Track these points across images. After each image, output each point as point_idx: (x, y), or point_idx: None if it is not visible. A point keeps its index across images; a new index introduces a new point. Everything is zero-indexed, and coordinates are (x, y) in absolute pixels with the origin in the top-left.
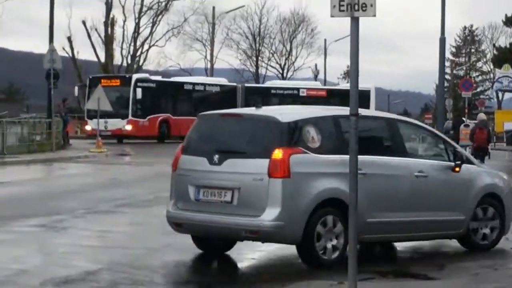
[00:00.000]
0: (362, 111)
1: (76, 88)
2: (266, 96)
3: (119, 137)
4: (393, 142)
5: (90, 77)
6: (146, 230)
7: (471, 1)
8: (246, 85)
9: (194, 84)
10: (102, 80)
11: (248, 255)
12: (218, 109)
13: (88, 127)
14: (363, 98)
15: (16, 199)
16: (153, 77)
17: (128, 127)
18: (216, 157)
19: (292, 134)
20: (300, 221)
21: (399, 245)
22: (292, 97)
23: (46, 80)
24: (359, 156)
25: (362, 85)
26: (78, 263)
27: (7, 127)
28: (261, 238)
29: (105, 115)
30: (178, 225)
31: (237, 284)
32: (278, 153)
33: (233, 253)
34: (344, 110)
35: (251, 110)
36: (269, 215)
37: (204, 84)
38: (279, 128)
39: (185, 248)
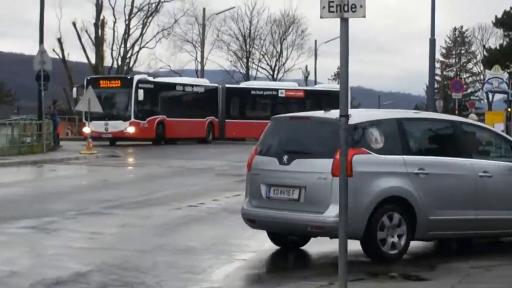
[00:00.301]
0: (426, 114)
1: (75, 89)
2: (246, 97)
3: (121, 139)
4: (457, 143)
5: (88, 78)
6: (136, 231)
7: (461, 3)
8: (227, 85)
9: (185, 85)
10: (101, 81)
11: (240, 256)
12: (205, 110)
13: (86, 129)
14: (336, 98)
15: (6, 201)
16: (151, 78)
17: (131, 129)
18: (285, 157)
19: (355, 136)
20: (362, 218)
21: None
22: (271, 98)
23: (36, 82)
24: (422, 157)
25: (336, 86)
26: (68, 265)
27: None
28: (325, 233)
29: (106, 117)
30: (251, 222)
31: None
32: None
33: (223, 253)
34: (408, 113)
35: (318, 113)
36: (332, 212)
37: (193, 85)
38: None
39: (176, 249)
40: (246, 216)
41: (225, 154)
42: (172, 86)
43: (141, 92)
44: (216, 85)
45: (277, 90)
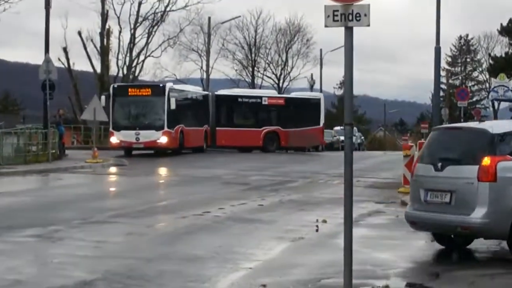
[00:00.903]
0: None
1: (103, 97)
2: (234, 104)
3: (153, 149)
4: None
5: (115, 85)
6: (142, 240)
7: (467, 11)
8: (216, 93)
9: (193, 93)
10: (129, 89)
11: (245, 264)
12: (202, 118)
13: (114, 139)
14: (314, 106)
15: (12, 210)
16: (176, 86)
17: (164, 139)
18: (439, 164)
19: (500, 144)
20: (506, 220)
21: (395, 254)
22: (256, 105)
23: (42, 91)
24: None
25: (313, 94)
26: (73, 273)
27: (3, 138)
28: (472, 233)
29: (137, 126)
30: (413, 223)
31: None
32: (486, 160)
33: (229, 261)
34: None
35: (470, 124)
36: (478, 214)
37: (196, 93)
38: (488, 138)
39: (182, 258)
40: (408, 218)
41: (231, 163)
42: (185, 94)
43: (173, 101)
44: (206, 92)
45: (261, 97)
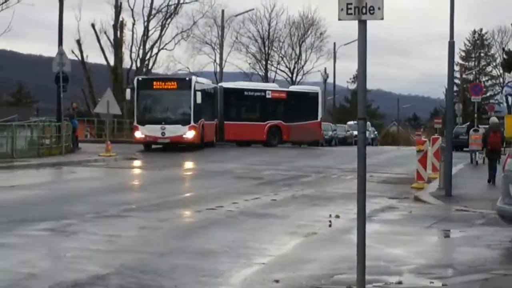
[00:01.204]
0: None
1: (128, 90)
2: (240, 97)
3: (179, 144)
4: None
5: (139, 78)
6: (155, 234)
7: (481, 5)
8: (224, 86)
9: (209, 86)
10: (154, 82)
11: (258, 259)
12: (215, 111)
13: (138, 134)
14: (312, 100)
15: (25, 203)
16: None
17: (190, 134)
18: None
19: None
20: None
21: (408, 250)
22: (260, 99)
23: (55, 83)
24: None
25: (311, 88)
26: (87, 267)
27: (17, 131)
28: None
29: (162, 120)
30: (502, 217)
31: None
32: None
33: (242, 256)
34: None
35: None
36: None
37: (209, 86)
38: None
39: (195, 252)
40: (498, 212)
41: (243, 157)
42: (204, 87)
43: (198, 94)
44: (215, 85)
45: (264, 91)
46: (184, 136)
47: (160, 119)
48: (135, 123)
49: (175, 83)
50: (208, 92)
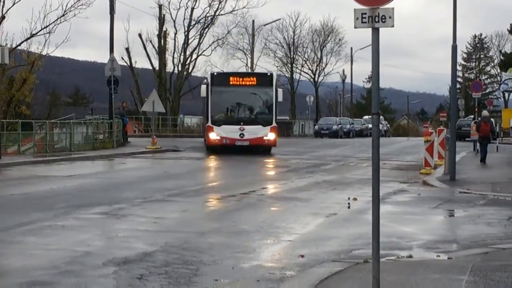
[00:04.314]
0: None
1: (203, 87)
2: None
3: (259, 147)
4: None
5: (214, 73)
6: (195, 216)
7: (481, 12)
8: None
9: None
10: (231, 78)
11: (285, 237)
12: None
13: (213, 135)
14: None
15: (82, 190)
16: None
17: (271, 136)
18: None
19: None
20: None
21: (417, 228)
22: None
23: (107, 86)
24: None
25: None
26: (136, 246)
27: (74, 128)
28: None
29: (240, 121)
30: None
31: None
32: None
33: (271, 235)
34: None
35: None
36: None
37: None
38: None
39: (230, 232)
40: None
41: (272, 148)
42: None
43: (280, 92)
44: None
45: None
46: (265, 138)
47: (238, 119)
48: (208, 123)
49: (254, 78)
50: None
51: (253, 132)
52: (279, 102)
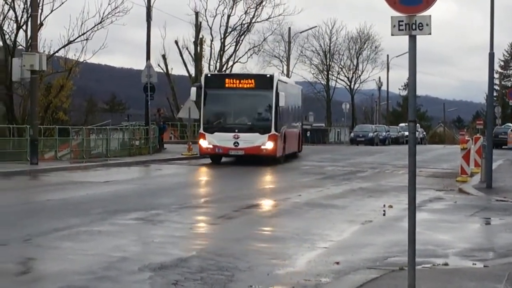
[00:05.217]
0: None
1: (193, 89)
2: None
3: (255, 157)
4: None
5: (208, 74)
6: (230, 222)
7: None
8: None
9: None
10: (227, 80)
11: (321, 244)
12: (297, 117)
13: (204, 143)
14: None
15: (118, 196)
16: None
17: (269, 145)
18: None
19: None
20: None
21: (454, 236)
22: None
23: (144, 93)
24: None
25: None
26: (171, 251)
27: (111, 134)
28: None
29: (235, 128)
30: None
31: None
32: None
33: (306, 242)
34: None
35: None
36: None
37: (293, 87)
38: None
39: (265, 238)
40: None
41: (306, 156)
42: (287, 87)
43: (282, 95)
44: (299, 86)
45: None
46: (262, 147)
47: (232, 126)
48: (200, 130)
49: (252, 81)
50: (293, 93)
51: (249, 140)
52: (281, 107)
